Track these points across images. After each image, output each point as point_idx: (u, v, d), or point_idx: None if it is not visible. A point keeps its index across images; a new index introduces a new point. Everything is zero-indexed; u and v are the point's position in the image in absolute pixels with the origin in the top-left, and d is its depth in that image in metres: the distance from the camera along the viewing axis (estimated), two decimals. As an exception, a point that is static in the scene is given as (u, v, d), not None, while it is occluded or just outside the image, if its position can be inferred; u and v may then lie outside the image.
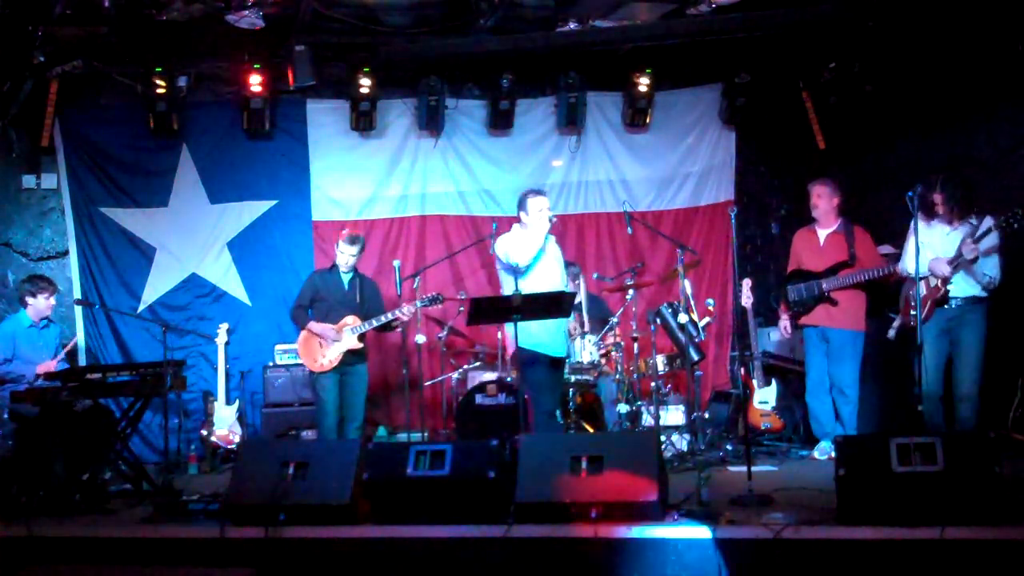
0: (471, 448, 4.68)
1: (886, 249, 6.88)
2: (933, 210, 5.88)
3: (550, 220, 5.97)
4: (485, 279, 8.48)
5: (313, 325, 6.63)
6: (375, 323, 6.61)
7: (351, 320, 6.60)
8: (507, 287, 6.02)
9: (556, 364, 6.05)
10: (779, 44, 7.65)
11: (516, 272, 5.80)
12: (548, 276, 6.00)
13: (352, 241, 6.77)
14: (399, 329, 6.80)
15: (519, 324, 5.52)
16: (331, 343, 6.56)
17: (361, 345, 6.64)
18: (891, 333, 6.15)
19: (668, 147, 8.73)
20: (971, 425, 5.61)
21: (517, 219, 6.12)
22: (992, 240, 5.62)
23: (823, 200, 6.59)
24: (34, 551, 4.64)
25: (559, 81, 8.33)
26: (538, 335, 5.84)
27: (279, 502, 4.51)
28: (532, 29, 7.35)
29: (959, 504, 4.00)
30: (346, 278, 6.79)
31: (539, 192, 6.18)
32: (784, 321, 6.80)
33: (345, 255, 6.72)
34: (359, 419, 6.70)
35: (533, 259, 5.90)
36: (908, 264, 5.78)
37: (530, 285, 5.81)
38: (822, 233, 6.66)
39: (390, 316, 6.61)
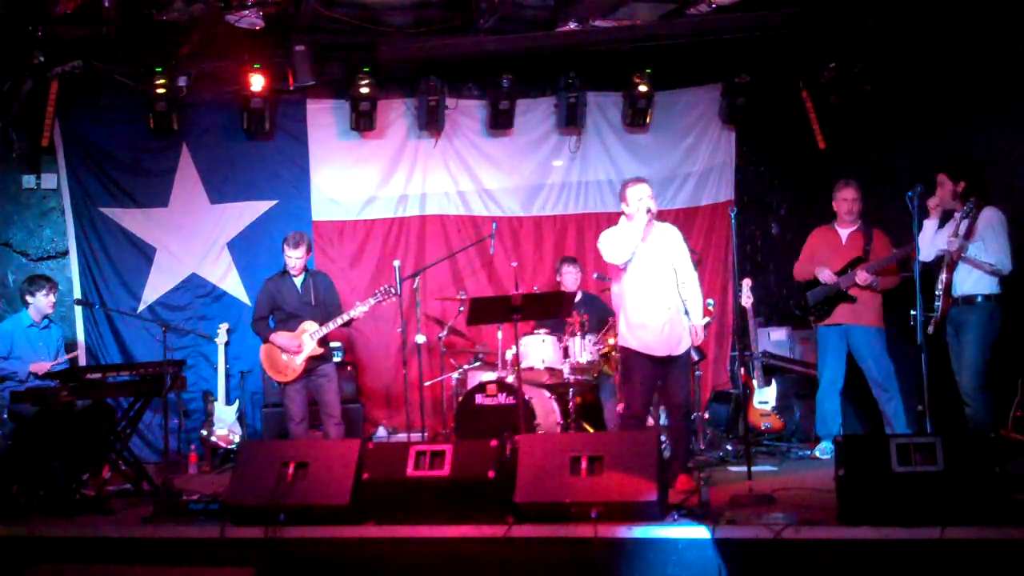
0: (471, 448, 4.67)
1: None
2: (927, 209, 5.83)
3: (648, 210, 5.41)
4: (485, 279, 8.48)
5: (276, 337, 6.52)
6: (331, 326, 6.53)
7: (309, 326, 6.51)
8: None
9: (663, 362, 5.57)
10: (779, 44, 7.64)
11: (619, 268, 5.55)
12: (652, 270, 5.53)
13: (295, 244, 6.59)
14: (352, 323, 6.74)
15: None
16: (293, 354, 6.48)
17: (323, 350, 6.56)
18: (930, 329, 6.05)
19: (668, 147, 8.71)
20: (975, 426, 5.59)
21: (616, 215, 5.78)
22: (982, 228, 5.59)
23: (857, 203, 6.58)
24: (34, 551, 4.65)
25: (559, 81, 8.32)
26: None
27: (279, 502, 4.52)
28: (532, 29, 7.35)
29: (959, 504, 4.01)
30: (298, 281, 6.65)
31: (639, 180, 5.63)
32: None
33: (292, 259, 6.58)
34: (336, 414, 6.62)
35: (633, 254, 5.48)
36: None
37: (634, 280, 5.53)
38: (844, 232, 6.65)
39: (345, 318, 6.56)
